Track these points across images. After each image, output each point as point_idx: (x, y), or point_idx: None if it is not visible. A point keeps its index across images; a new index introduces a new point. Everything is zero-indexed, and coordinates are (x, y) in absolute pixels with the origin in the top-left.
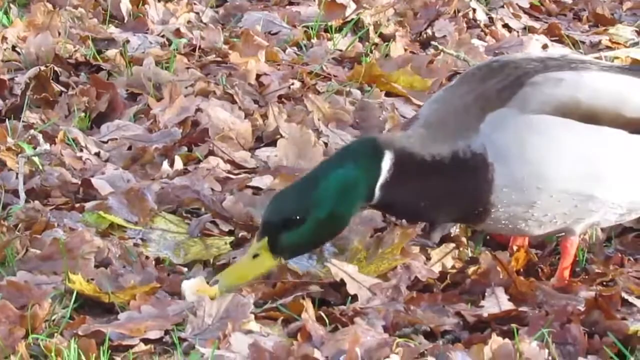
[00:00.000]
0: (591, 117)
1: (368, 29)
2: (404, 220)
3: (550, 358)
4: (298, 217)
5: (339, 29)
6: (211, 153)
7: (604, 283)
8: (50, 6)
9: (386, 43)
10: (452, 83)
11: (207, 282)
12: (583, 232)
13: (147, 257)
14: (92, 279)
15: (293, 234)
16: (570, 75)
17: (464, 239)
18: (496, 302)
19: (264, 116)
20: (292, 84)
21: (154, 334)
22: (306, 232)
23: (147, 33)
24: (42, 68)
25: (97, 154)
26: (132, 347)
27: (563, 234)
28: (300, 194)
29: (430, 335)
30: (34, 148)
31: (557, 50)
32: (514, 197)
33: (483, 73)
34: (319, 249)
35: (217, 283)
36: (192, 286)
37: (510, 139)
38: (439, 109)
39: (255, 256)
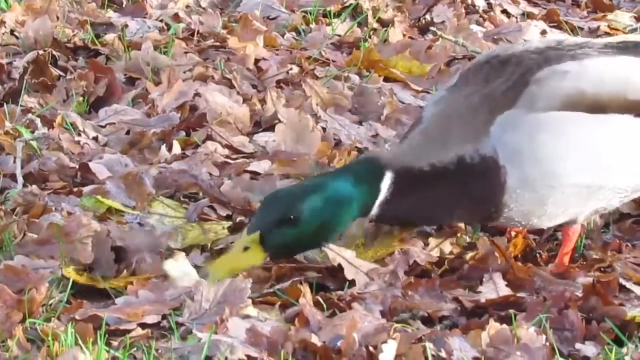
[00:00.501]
0: (598, 106)
1: (367, 14)
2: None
3: (547, 344)
4: (292, 218)
5: (338, 14)
6: (209, 138)
7: (602, 269)
8: None
9: (385, 28)
10: (454, 82)
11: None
12: (587, 220)
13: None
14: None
15: (284, 234)
16: (572, 66)
17: (462, 225)
18: (494, 288)
19: (262, 101)
20: (291, 69)
21: (151, 319)
22: (296, 235)
23: (145, 17)
24: (41, 52)
25: (95, 139)
26: (129, 331)
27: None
28: (298, 197)
29: (428, 321)
30: (32, 132)
31: (554, 36)
32: (527, 197)
33: (485, 72)
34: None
35: (207, 275)
36: (174, 265)
37: (521, 140)
38: (442, 112)
39: (245, 249)
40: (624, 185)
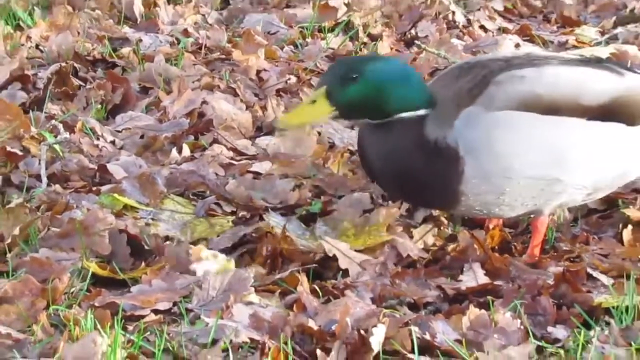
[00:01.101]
0: (552, 108)
1: (358, 30)
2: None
3: (522, 327)
4: (355, 76)
5: (332, 29)
6: (215, 141)
7: (571, 259)
8: (70, 8)
9: (374, 42)
10: (435, 78)
11: None
12: (552, 212)
13: (158, 236)
14: (108, 259)
15: (347, 88)
16: (531, 71)
17: (444, 219)
18: (473, 277)
19: (264, 108)
20: (289, 79)
21: (163, 305)
22: (357, 90)
23: (157, 33)
24: (63, 64)
25: (112, 142)
26: (143, 317)
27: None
28: (365, 62)
29: (414, 307)
30: (55, 136)
31: (524, 49)
32: (483, 187)
33: (457, 73)
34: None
35: (279, 123)
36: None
37: (479, 135)
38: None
39: (313, 102)
40: (582, 182)
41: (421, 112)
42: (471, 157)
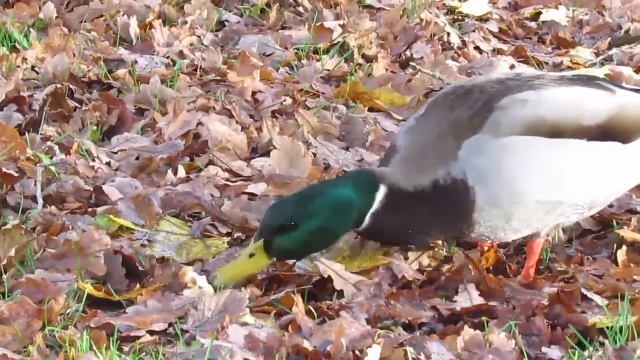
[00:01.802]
0: (556, 131)
1: (353, 51)
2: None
3: (517, 347)
4: (292, 224)
5: (327, 51)
6: (211, 162)
7: (566, 280)
8: (66, 30)
9: (369, 63)
10: (422, 112)
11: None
12: (548, 234)
13: (153, 257)
14: (103, 281)
15: (286, 239)
16: (531, 95)
17: (438, 240)
18: (468, 297)
19: (259, 129)
20: (284, 100)
21: (158, 326)
22: (297, 239)
23: (153, 54)
24: (59, 86)
25: (108, 164)
26: (139, 337)
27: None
28: (298, 204)
29: (409, 327)
30: (51, 158)
31: (518, 69)
32: (494, 213)
33: (451, 100)
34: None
35: (215, 278)
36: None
37: (487, 162)
38: (415, 140)
39: (251, 255)
40: (582, 202)
41: (380, 194)
42: (481, 186)
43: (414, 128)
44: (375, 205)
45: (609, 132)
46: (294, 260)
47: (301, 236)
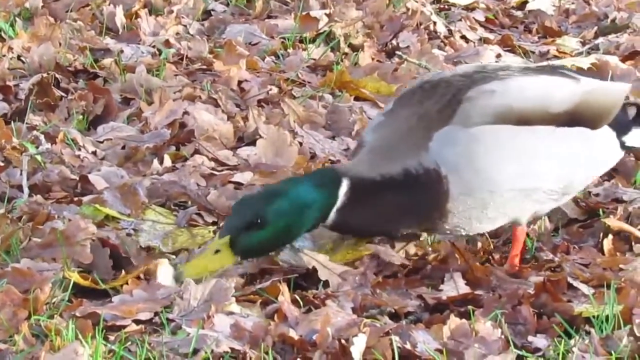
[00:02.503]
0: (524, 119)
1: (339, 40)
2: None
3: (503, 336)
4: (259, 222)
5: (313, 40)
6: (197, 152)
7: (552, 269)
8: (52, 19)
9: (355, 53)
10: (389, 107)
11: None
12: (529, 221)
13: (140, 247)
14: (89, 270)
15: (251, 236)
16: (498, 85)
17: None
18: (454, 286)
19: (245, 118)
20: (270, 89)
21: (144, 315)
22: (263, 237)
23: (139, 44)
24: (44, 75)
25: (94, 153)
26: (124, 327)
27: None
28: (263, 202)
29: (395, 316)
30: (37, 147)
31: (478, 63)
32: (469, 202)
33: (418, 96)
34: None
35: (180, 274)
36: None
37: (459, 152)
38: (383, 135)
39: (216, 252)
40: (555, 187)
41: (343, 189)
42: (454, 175)
43: (382, 124)
44: (340, 200)
45: (577, 118)
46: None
47: (267, 235)
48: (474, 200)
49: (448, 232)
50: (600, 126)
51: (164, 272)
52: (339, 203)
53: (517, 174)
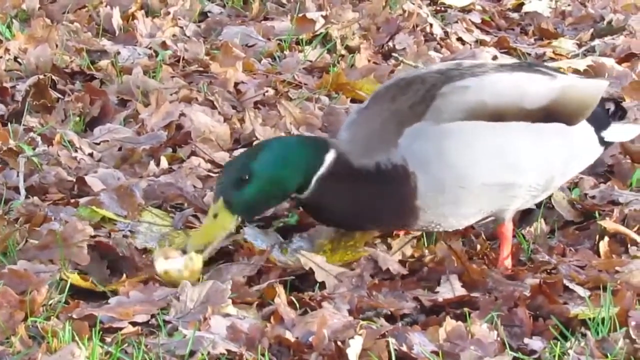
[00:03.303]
0: (497, 115)
1: (335, 42)
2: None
3: (498, 339)
4: (246, 177)
5: (309, 42)
6: (193, 153)
7: (548, 271)
8: (48, 21)
9: (352, 54)
10: (363, 105)
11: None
12: (511, 217)
13: (135, 248)
14: (86, 272)
15: (243, 192)
16: (473, 81)
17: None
18: (450, 288)
19: (241, 120)
20: (267, 91)
21: (141, 317)
22: (253, 191)
23: (136, 45)
24: (41, 77)
25: (91, 155)
26: (121, 329)
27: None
28: (249, 157)
29: (391, 318)
30: (34, 149)
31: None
32: (440, 200)
33: (392, 92)
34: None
35: (187, 246)
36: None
37: (428, 148)
38: (357, 131)
39: (215, 216)
40: (534, 183)
41: (329, 156)
42: (422, 172)
43: (356, 121)
44: (323, 168)
45: (553, 114)
46: (257, 217)
47: (257, 186)
48: (446, 197)
49: (423, 228)
50: (578, 122)
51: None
52: (323, 169)
53: (489, 170)
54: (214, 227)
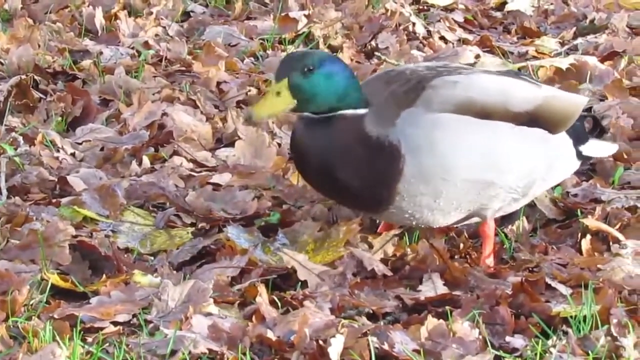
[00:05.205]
0: (484, 113)
1: (318, 41)
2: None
3: (480, 337)
4: (311, 68)
5: (292, 41)
6: (175, 153)
7: (530, 269)
8: (31, 21)
9: (334, 53)
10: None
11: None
12: (492, 217)
13: (117, 248)
14: (67, 273)
15: (306, 80)
16: (462, 78)
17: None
18: (432, 287)
19: (224, 120)
20: (249, 90)
21: (122, 317)
22: (315, 82)
23: (118, 45)
24: (23, 77)
25: (73, 154)
26: (102, 329)
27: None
28: (317, 55)
29: (373, 317)
30: (15, 149)
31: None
32: (421, 188)
33: (385, 79)
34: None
35: (252, 114)
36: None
37: (420, 135)
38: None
39: (278, 94)
40: (514, 185)
41: (361, 111)
42: (412, 156)
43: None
44: (358, 110)
45: (537, 119)
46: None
47: (319, 79)
48: (427, 187)
49: (395, 217)
50: (559, 131)
51: None
52: (350, 111)
53: (472, 165)
54: (277, 102)
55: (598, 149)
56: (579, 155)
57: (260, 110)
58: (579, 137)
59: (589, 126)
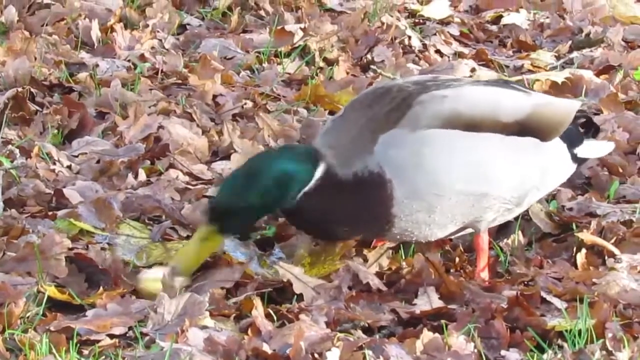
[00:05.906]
0: (473, 125)
1: (314, 54)
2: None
3: (475, 351)
4: (243, 206)
5: (288, 54)
6: (171, 166)
7: (525, 283)
8: (27, 33)
9: (330, 67)
10: (339, 114)
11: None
12: (485, 229)
13: (113, 260)
14: (64, 285)
15: (237, 218)
16: (450, 91)
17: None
18: (428, 300)
19: (220, 133)
20: (245, 103)
21: (118, 330)
22: (248, 216)
23: (114, 58)
24: (20, 89)
25: (69, 167)
26: (98, 341)
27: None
28: (245, 183)
29: (368, 330)
30: (12, 161)
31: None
32: (415, 206)
33: (370, 100)
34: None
35: (175, 270)
36: (149, 278)
37: (405, 155)
38: (334, 138)
39: (203, 239)
40: (508, 195)
41: (319, 171)
42: (399, 179)
43: (332, 128)
44: (313, 181)
45: (527, 128)
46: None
47: (252, 213)
48: (420, 204)
49: (397, 237)
50: (551, 138)
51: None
52: (311, 184)
53: (464, 178)
54: (204, 249)
55: (594, 149)
56: (574, 158)
57: (186, 263)
58: (572, 139)
59: (582, 128)
